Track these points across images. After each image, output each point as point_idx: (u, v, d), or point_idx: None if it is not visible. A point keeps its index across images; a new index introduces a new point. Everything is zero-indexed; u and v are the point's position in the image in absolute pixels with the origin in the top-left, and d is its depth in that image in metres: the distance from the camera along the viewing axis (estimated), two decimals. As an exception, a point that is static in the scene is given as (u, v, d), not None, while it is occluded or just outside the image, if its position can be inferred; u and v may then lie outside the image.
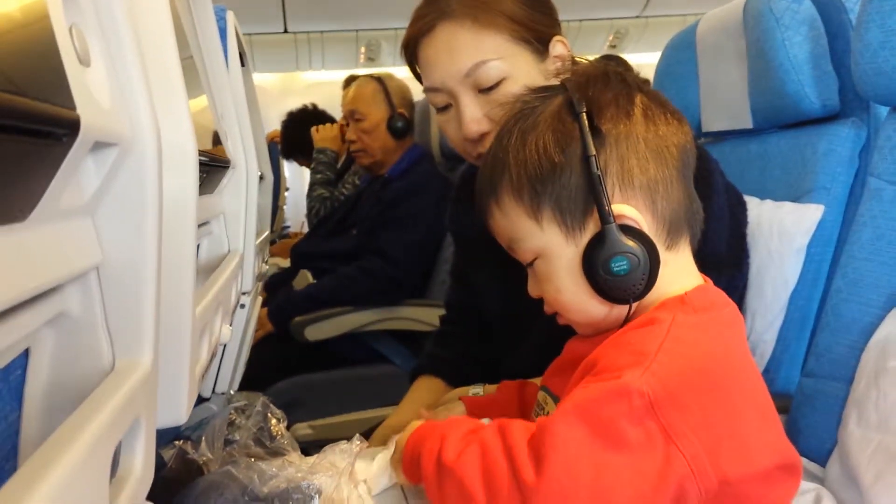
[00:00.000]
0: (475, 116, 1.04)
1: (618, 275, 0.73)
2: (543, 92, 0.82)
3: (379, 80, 2.51)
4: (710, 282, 0.81)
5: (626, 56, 1.43)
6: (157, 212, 0.40)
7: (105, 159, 0.35)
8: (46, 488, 0.28)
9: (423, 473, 0.73)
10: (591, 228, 0.74)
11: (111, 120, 0.34)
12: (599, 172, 0.72)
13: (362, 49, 5.33)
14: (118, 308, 0.39)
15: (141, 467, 0.40)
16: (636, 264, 0.72)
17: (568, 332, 0.88)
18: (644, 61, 1.96)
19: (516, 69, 1.02)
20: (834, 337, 1.01)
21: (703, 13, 1.36)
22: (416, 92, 2.58)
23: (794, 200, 1.10)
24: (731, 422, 0.68)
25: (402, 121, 2.44)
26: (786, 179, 1.15)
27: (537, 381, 0.99)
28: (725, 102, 1.24)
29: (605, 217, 0.72)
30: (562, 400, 0.73)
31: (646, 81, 0.83)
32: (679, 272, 0.77)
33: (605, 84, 0.78)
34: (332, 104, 2.81)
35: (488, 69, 1.01)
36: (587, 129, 0.73)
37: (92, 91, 0.32)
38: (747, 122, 1.24)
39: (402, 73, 2.75)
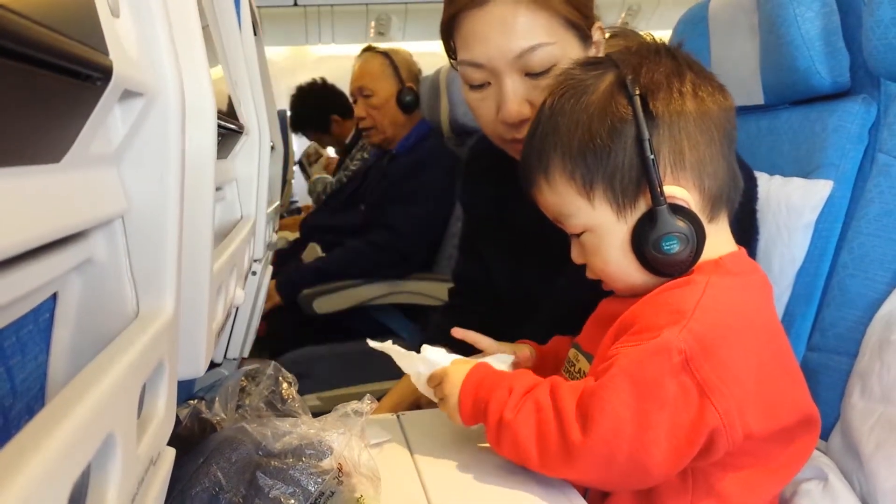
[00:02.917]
0: (519, 100, 0.99)
1: (667, 253, 0.75)
2: (592, 67, 0.81)
3: (385, 54, 2.50)
4: (744, 250, 0.83)
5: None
6: (179, 164, 0.41)
7: (132, 109, 0.36)
8: (76, 421, 0.28)
9: (487, 420, 0.76)
10: (642, 206, 0.76)
11: (139, 70, 0.35)
12: (653, 156, 0.74)
13: (372, 23, 5.30)
14: (142, 257, 0.41)
15: (164, 410, 0.41)
16: (685, 243, 0.75)
17: (579, 305, 0.90)
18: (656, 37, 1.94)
19: (565, 56, 0.96)
20: (839, 312, 1.01)
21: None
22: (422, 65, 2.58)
23: (803, 176, 1.10)
24: (760, 379, 0.71)
25: (411, 94, 2.43)
26: (795, 155, 1.15)
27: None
28: (737, 78, 1.24)
29: (657, 199, 0.74)
30: (595, 357, 0.76)
31: (688, 54, 0.83)
32: (717, 241, 0.80)
33: (657, 62, 0.78)
34: (342, 78, 2.81)
35: (541, 53, 0.95)
36: (641, 112, 0.74)
37: (122, 41, 0.33)
38: (758, 98, 1.24)
39: (410, 47, 2.76)
